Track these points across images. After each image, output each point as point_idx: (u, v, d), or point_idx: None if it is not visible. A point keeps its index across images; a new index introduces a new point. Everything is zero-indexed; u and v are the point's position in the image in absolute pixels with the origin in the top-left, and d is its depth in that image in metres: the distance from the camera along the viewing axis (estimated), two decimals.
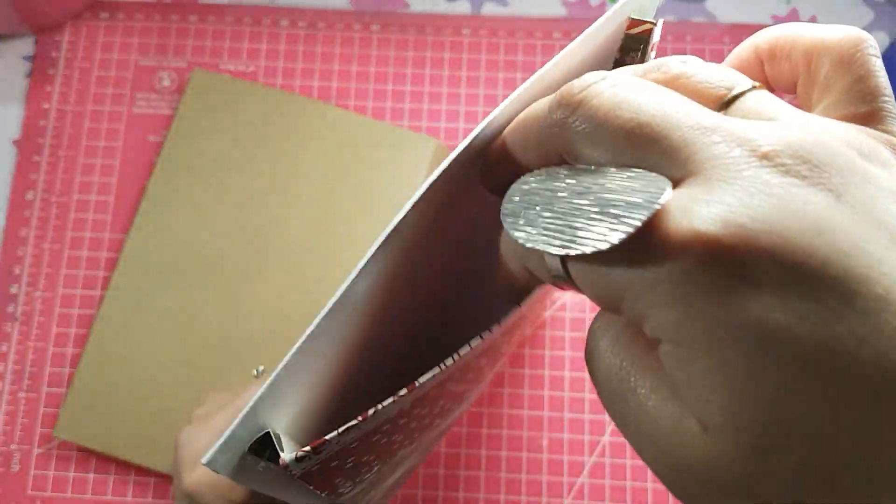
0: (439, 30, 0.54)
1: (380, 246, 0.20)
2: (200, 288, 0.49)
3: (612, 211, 0.15)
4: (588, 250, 0.15)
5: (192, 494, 0.33)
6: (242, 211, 0.50)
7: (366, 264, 0.20)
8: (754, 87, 0.17)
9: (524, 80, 0.54)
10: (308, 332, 0.20)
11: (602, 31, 0.24)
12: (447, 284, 0.28)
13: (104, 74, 0.54)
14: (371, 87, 0.54)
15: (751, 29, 0.54)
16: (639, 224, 0.15)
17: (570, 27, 0.55)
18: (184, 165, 0.51)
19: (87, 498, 0.47)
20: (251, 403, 0.20)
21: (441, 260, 0.25)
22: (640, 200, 0.15)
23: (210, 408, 0.40)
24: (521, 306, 0.23)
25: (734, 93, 0.17)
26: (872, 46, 0.18)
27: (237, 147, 0.51)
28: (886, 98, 0.17)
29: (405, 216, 0.21)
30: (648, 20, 0.24)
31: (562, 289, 0.18)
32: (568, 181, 0.17)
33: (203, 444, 0.36)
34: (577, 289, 0.17)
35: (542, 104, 0.19)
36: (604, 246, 0.15)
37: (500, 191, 0.20)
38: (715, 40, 0.54)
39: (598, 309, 0.21)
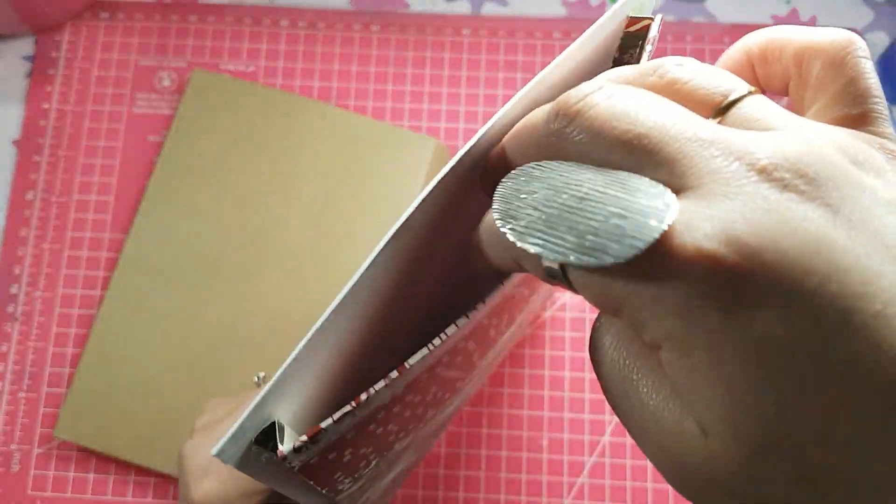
0: (439, 30, 0.54)
1: (389, 240, 0.21)
2: (200, 288, 0.49)
3: (617, 223, 0.15)
4: (593, 263, 0.15)
5: None
6: (242, 211, 0.50)
7: (375, 258, 0.21)
8: (750, 93, 0.17)
9: (524, 80, 0.54)
10: (317, 325, 0.20)
11: (602, 31, 0.24)
12: (448, 284, 0.28)
13: (104, 74, 0.54)
14: (371, 87, 0.54)
15: (751, 29, 0.54)
16: (648, 244, 0.15)
17: (570, 27, 0.55)
18: (184, 165, 0.51)
19: (87, 498, 0.47)
20: (261, 395, 0.20)
21: (443, 261, 0.26)
22: (646, 215, 0.15)
23: (211, 416, 0.40)
24: (505, 285, 0.23)
25: (730, 98, 0.17)
26: (862, 49, 0.18)
27: (237, 147, 0.51)
28: (877, 99, 0.18)
29: (414, 212, 0.21)
30: (646, 17, 0.24)
31: (553, 285, 0.19)
32: (568, 180, 0.17)
33: (208, 456, 0.36)
34: (572, 289, 0.17)
35: (540, 113, 0.19)
36: (610, 261, 0.15)
37: None
38: (715, 40, 0.54)
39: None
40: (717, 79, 0.18)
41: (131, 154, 0.53)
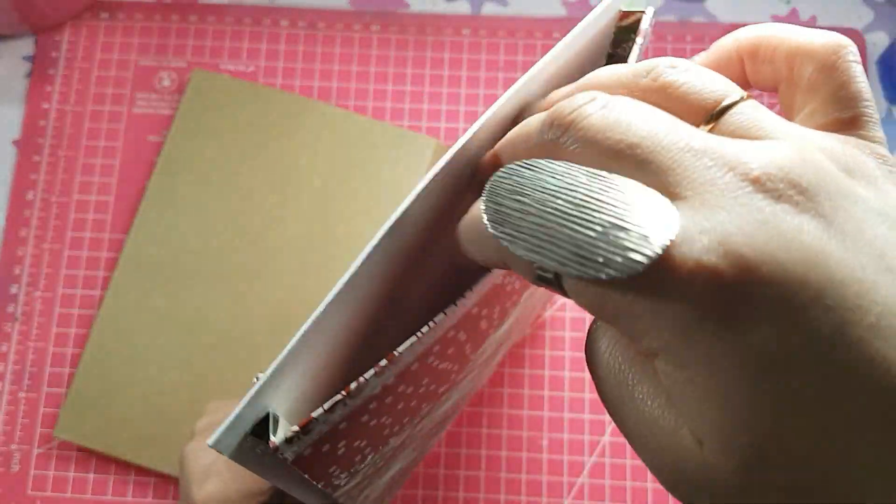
0: (439, 30, 0.54)
1: (384, 235, 0.21)
2: (200, 288, 0.49)
3: (618, 235, 0.15)
4: (592, 274, 0.15)
5: None
6: (242, 211, 0.50)
7: (370, 253, 0.21)
8: (742, 99, 0.17)
9: None
10: (313, 317, 0.20)
11: (594, 25, 0.24)
12: (442, 285, 0.28)
13: (104, 74, 0.54)
14: (371, 87, 0.54)
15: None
16: (651, 259, 0.14)
17: (570, 27, 0.55)
18: (184, 165, 0.51)
19: (87, 498, 0.47)
20: (258, 385, 0.20)
21: (437, 260, 0.26)
22: (648, 228, 0.15)
23: (211, 418, 0.40)
24: (493, 273, 0.23)
25: (724, 104, 0.17)
26: (853, 53, 0.18)
27: (237, 147, 0.51)
28: (867, 103, 0.18)
29: (408, 208, 0.21)
30: (638, 9, 0.25)
31: (542, 287, 0.18)
32: (562, 183, 0.16)
33: (210, 458, 0.36)
34: (564, 294, 0.17)
35: (534, 122, 0.19)
36: (611, 274, 0.15)
37: None
38: (715, 40, 0.54)
39: None
40: (711, 83, 0.18)
41: (131, 154, 0.53)
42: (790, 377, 0.14)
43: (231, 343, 0.48)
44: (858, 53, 0.19)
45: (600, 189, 0.16)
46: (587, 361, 0.19)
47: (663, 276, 0.15)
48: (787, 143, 0.16)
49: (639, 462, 0.47)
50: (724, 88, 0.17)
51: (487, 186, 0.18)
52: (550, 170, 0.17)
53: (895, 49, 0.52)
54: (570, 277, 0.16)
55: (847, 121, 0.18)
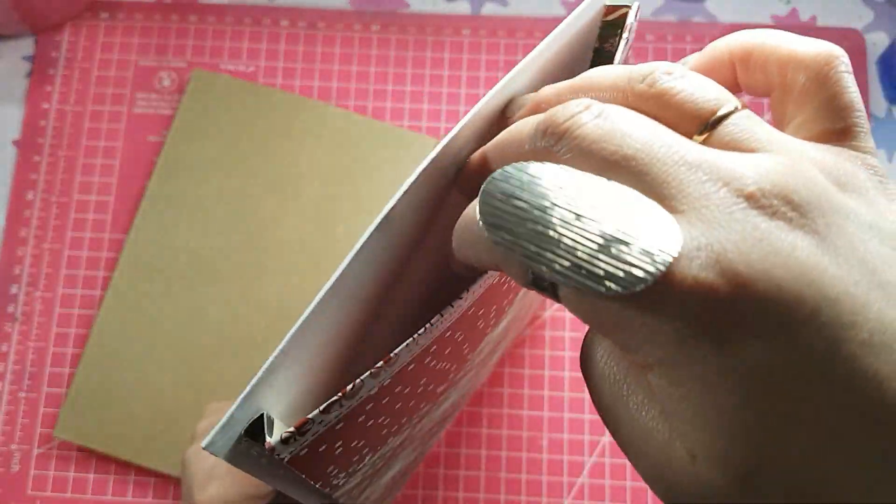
0: (439, 30, 0.54)
1: (372, 233, 0.21)
2: (200, 288, 0.49)
3: (620, 249, 0.15)
4: (592, 287, 0.15)
5: None
6: (242, 211, 0.50)
7: (359, 250, 0.21)
8: (736, 109, 0.17)
9: None
10: (304, 316, 0.20)
11: (580, 20, 0.24)
12: (432, 286, 0.28)
13: (104, 74, 0.54)
14: (371, 87, 0.54)
15: (751, 29, 0.54)
16: (654, 275, 0.14)
17: None
18: (184, 165, 0.51)
19: (87, 498, 0.47)
20: (250, 385, 0.20)
21: (425, 259, 0.26)
22: (651, 243, 0.15)
23: (211, 421, 0.40)
24: (489, 274, 0.23)
25: (719, 114, 0.17)
26: (845, 63, 0.19)
27: (237, 147, 0.51)
28: (859, 114, 0.18)
29: (395, 205, 0.21)
30: (624, 4, 0.25)
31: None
32: (560, 189, 0.16)
33: (211, 462, 0.36)
34: (557, 300, 0.17)
35: (526, 127, 0.19)
36: (613, 289, 0.15)
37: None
38: (715, 40, 0.54)
39: None
40: (706, 92, 0.18)
41: (131, 154, 0.53)
42: (784, 394, 0.14)
43: (231, 343, 0.48)
44: (850, 63, 0.19)
45: (601, 198, 0.16)
46: (582, 370, 0.19)
47: (661, 291, 0.14)
48: (781, 156, 0.16)
49: None
50: (719, 97, 0.17)
51: (483, 188, 0.17)
52: (548, 174, 0.17)
53: (895, 49, 0.52)
54: (567, 287, 0.16)
55: (839, 131, 0.18)
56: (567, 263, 0.15)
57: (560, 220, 0.16)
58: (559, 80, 0.26)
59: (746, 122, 0.17)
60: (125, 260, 0.50)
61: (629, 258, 0.15)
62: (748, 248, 0.14)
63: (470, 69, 0.54)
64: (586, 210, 0.16)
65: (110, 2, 0.55)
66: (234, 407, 0.20)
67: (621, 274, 0.15)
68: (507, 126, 0.22)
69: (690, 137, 0.17)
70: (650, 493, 0.47)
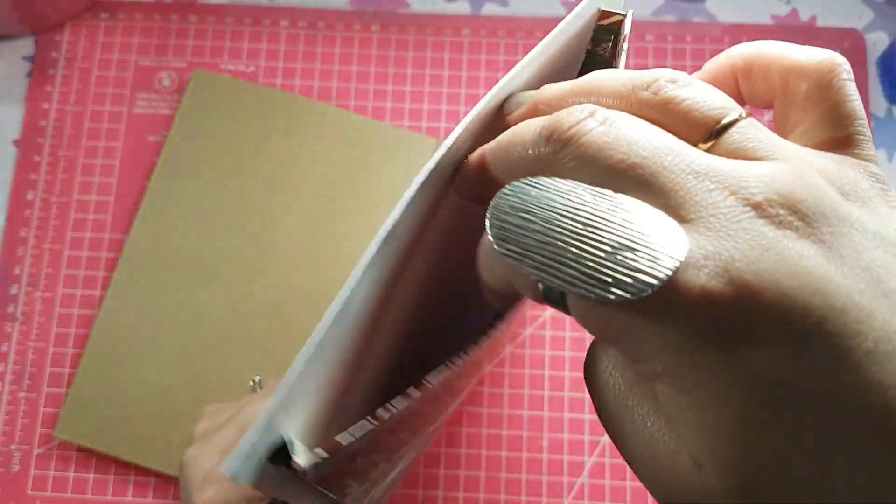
0: (439, 30, 0.54)
1: (378, 249, 0.21)
2: (200, 288, 0.49)
3: (627, 256, 0.15)
4: (599, 295, 0.15)
5: None
6: (242, 211, 0.50)
7: (366, 269, 0.21)
8: (741, 117, 0.17)
9: None
10: (315, 341, 0.20)
11: (575, 23, 0.24)
12: (437, 286, 0.28)
13: (104, 74, 0.54)
14: (371, 87, 0.54)
15: (751, 29, 0.54)
16: (662, 281, 0.14)
17: None
18: (184, 165, 0.51)
19: (87, 498, 0.47)
20: (267, 414, 0.19)
21: (425, 265, 0.26)
22: (658, 250, 0.15)
23: (210, 422, 0.39)
24: (523, 300, 0.23)
25: (724, 122, 0.17)
26: (847, 71, 0.19)
27: (237, 147, 0.51)
28: (860, 122, 0.18)
29: (401, 217, 0.21)
30: (618, 11, 0.25)
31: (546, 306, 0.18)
32: (569, 203, 0.16)
33: (210, 464, 0.36)
34: (567, 313, 0.17)
35: (528, 132, 0.19)
36: (620, 296, 0.15)
37: (478, 200, 0.20)
38: (715, 40, 0.54)
39: None
40: (711, 100, 0.18)
41: (131, 154, 0.53)
42: (790, 403, 0.14)
43: (231, 343, 0.48)
44: (851, 71, 0.19)
45: (607, 209, 0.16)
46: (586, 380, 0.19)
47: (669, 299, 0.15)
48: (787, 165, 0.16)
49: None
50: (724, 105, 0.17)
51: (492, 203, 0.17)
52: (556, 188, 0.17)
53: (895, 49, 0.52)
54: (575, 297, 0.16)
55: (842, 140, 0.18)
56: (575, 273, 0.15)
57: (568, 230, 0.16)
58: (555, 81, 0.26)
59: (752, 131, 0.17)
60: (125, 260, 0.50)
61: (637, 265, 0.15)
62: (756, 257, 0.15)
63: (470, 69, 0.54)
64: (592, 220, 0.16)
65: (110, 2, 0.55)
66: (253, 435, 0.19)
67: (629, 280, 0.15)
68: (506, 124, 0.22)
69: (695, 145, 0.17)
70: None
